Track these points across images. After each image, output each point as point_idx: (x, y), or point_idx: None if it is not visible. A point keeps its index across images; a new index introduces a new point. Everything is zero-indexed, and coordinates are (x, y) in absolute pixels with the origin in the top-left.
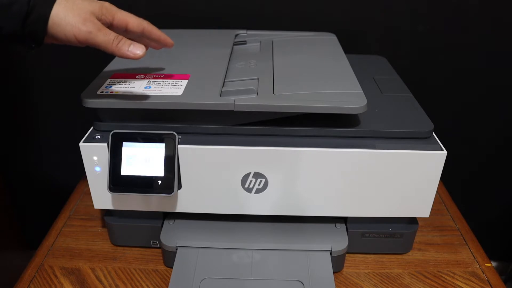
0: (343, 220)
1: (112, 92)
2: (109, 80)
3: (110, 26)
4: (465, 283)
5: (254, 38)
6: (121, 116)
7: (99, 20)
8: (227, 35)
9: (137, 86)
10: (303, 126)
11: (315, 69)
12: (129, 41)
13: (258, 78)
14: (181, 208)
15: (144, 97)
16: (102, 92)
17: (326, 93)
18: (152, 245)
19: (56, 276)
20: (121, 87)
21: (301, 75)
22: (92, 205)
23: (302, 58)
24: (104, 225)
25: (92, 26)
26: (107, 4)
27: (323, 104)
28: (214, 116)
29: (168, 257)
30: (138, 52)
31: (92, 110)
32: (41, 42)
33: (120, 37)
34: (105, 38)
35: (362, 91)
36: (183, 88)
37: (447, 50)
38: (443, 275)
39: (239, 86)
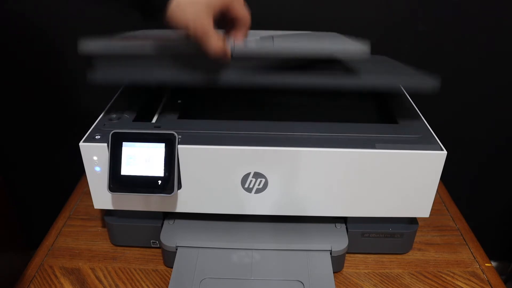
0: (343, 220)
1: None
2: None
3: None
4: (465, 283)
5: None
6: (118, 63)
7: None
8: None
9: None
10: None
11: (316, 36)
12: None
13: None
14: (181, 208)
15: (143, 39)
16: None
17: (327, 45)
18: (152, 245)
19: (56, 276)
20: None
21: (300, 37)
22: (92, 205)
23: (303, 38)
24: (104, 225)
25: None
26: None
27: (323, 48)
28: (211, 64)
29: (168, 257)
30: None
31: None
32: (157, 14)
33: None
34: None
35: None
36: None
37: (447, 50)
38: (443, 275)
39: None
